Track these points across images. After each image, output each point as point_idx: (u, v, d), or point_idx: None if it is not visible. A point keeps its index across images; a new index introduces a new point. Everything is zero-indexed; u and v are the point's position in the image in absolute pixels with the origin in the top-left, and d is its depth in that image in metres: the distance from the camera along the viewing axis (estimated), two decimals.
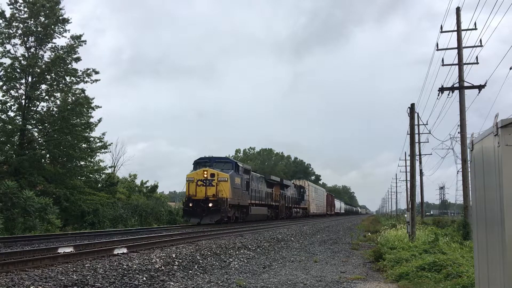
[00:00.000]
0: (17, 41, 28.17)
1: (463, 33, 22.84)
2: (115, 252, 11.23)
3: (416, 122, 28.00)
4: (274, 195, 39.59)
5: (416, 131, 38.17)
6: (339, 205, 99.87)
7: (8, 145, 28.17)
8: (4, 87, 27.62)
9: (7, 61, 27.82)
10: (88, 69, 29.90)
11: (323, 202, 72.17)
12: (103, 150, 31.52)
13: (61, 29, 29.14)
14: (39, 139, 29.62)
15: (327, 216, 73.29)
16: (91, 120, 30.20)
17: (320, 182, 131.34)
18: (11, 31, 27.84)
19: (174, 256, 11.38)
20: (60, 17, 28.85)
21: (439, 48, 24.22)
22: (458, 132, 23.05)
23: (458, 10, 23.07)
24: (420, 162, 41.90)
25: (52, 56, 28.75)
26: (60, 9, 28.90)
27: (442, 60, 23.79)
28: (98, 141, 30.86)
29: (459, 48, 22.69)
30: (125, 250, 11.54)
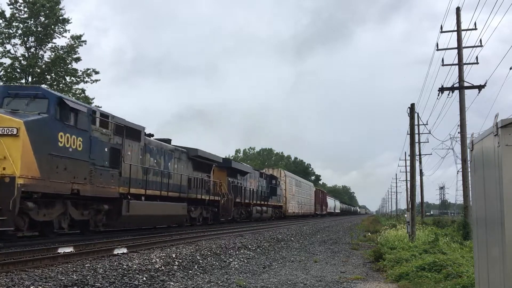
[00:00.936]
0: (17, 41, 28.23)
1: (463, 33, 22.86)
2: (115, 252, 11.23)
3: (416, 122, 28.01)
4: (211, 185, 24.93)
5: (416, 131, 38.19)
6: (333, 203, 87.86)
7: None
8: None
9: (7, 61, 27.89)
10: (88, 69, 29.99)
11: (309, 199, 59.10)
12: None
13: (61, 29, 29.20)
14: None
15: (316, 217, 61.81)
16: None
17: (320, 182, 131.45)
18: (11, 31, 27.88)
19: (174, 256, 11.39)
20: (60, 17, 28.88)
21: (439, 48, 24.24)
22: (458, 132, 23.07)
23: (458, 10, 23.08)
24: (420, 162, 41.89)
25: (52, 56, 28.79)
26: (60, 9, 28.95)
27: (442, 60, 23.83)
28: None
29: (459, 48, 22.70)
30: (125, 250, 11.55)
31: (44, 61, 28.74)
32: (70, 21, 29.23)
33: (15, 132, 11.42)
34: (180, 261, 11.05)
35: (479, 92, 21.67)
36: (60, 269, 8.64)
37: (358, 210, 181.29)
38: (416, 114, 23.66)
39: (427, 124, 43.78)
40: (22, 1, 27.93)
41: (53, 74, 29.05)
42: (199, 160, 23.33)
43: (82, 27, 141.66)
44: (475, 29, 22.57)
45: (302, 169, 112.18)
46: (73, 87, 29.93)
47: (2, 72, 27.64)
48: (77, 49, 29.58)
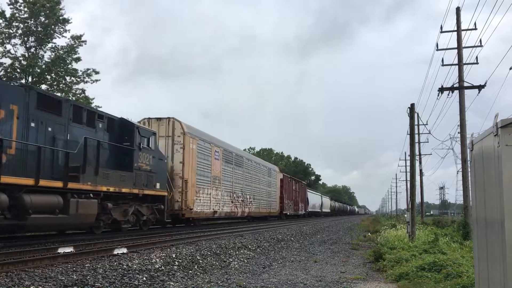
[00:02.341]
0: (17, 41, 28.24)
1: (463, 33, 22.89)
2: (115, 252, 11.23)
3: (416, 122, 28.02)
4: None
5: (416, 131, 38.21)
6: (318, 200, 67.47)
7: None
8: None
9: (7, 61, 27.90)
10: (88, 69, 30.01)
11: (267, 191, 36.00)
12: None
13: (61, 29, 29.20)
14: None
15: (284, 220, 39.00)
16: None
17: (320, 182, 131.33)
18: (11, 31, 27.88)
19: (174, 256, 11.39)
20: (61, 17, 28.88)
21: (439, 48, 24.26)
22: (458, 132, 23.08)
23: (458, 10, 23.10)
24: (420, 162, 41.93)
25: (52, 56, 28.80)
26: (61, 9, 28.95)
27: (442, 60, 23.86)
28: None
29: (459, 48, 22.72)
30: (125, 250, 11.55)
31: (44, 61, 28.75)
32: (70, 21, 29.26)
33: None
34: (180, 261, 11.05)
35: (479, 92, 21.71)
36: (60, 269, 8.63)
37: (357, 209, 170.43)
38: (416, 114, 23.66)
39: (427, 124, 43.94)
40: (22, 1, 27.93)
41: (53, 74, 29.05)
42: None
43: (86, 27, 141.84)
44: (475, 29, 22.62)
45: (302, 169, 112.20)
46: (73, 87, 29.94)
47: (2, 72, 27.64)
48: (77, 49, 29.61)
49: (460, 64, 22.48)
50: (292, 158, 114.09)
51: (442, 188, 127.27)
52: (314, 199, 64.45)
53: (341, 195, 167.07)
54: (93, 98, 30.09)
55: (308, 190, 60.27)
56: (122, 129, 16.37)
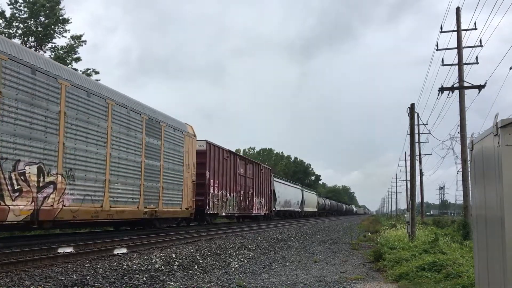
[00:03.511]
0: (17, 41, 28.21)
1: (463, 33, 22.90)
2: (115, 252, 11.24)
3: (416, 122, 28.02)
4: None
5: (416, 131, 38.24)
6: (296, 196, 50.18)
7: None
8: None
9: None
10: (88, 69, 29.99)
11: (149, 166, 16.93)
12: None
13: (61, 29, 29.22)
14: None
15: (211, 223, 25.30)
16: None
17: (320, 182, 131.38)
18: (11, 31, 27.88)
19: (174, 256, 11.39)
20: (60, 17, 28.89)
21: (439, 48, 24.28)
22: (458, 132, 23.08)
23: (458, 10, 23.11)
24: (420, 162, 41.95)
25: (52, 56, 28.78)
26: (61, 9, 28.95)
27: (442, 60, 23.88)
28: None
29: (459, 48, 22.73)
30: (125, 250, 11.55)
31: None
32: (70, 21, 29.27)
33: None
34: (180, 261, 11.05)
35: (479, 92, 21.71)
36: (60, 269, 8.63)
37: (355, 209, 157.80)
38: (416, 114, 23.67)
39: (427, 124, 44.06)
40: (22, 1, 27.94)
41: None
42: None
43: (88, 27, 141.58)
44: (475, 29, 22.64)
45: (302, 169, 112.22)
46: None
47: None
48: (77, 49, 29.62)
49: (460, 64, 22.49)
50: (292, 158, 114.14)
51: (442, 188, 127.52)
52: (289, 193, 46.47)
53: (341, 195, 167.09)
54: None
55: (277, 179, 43.17)
56: None
